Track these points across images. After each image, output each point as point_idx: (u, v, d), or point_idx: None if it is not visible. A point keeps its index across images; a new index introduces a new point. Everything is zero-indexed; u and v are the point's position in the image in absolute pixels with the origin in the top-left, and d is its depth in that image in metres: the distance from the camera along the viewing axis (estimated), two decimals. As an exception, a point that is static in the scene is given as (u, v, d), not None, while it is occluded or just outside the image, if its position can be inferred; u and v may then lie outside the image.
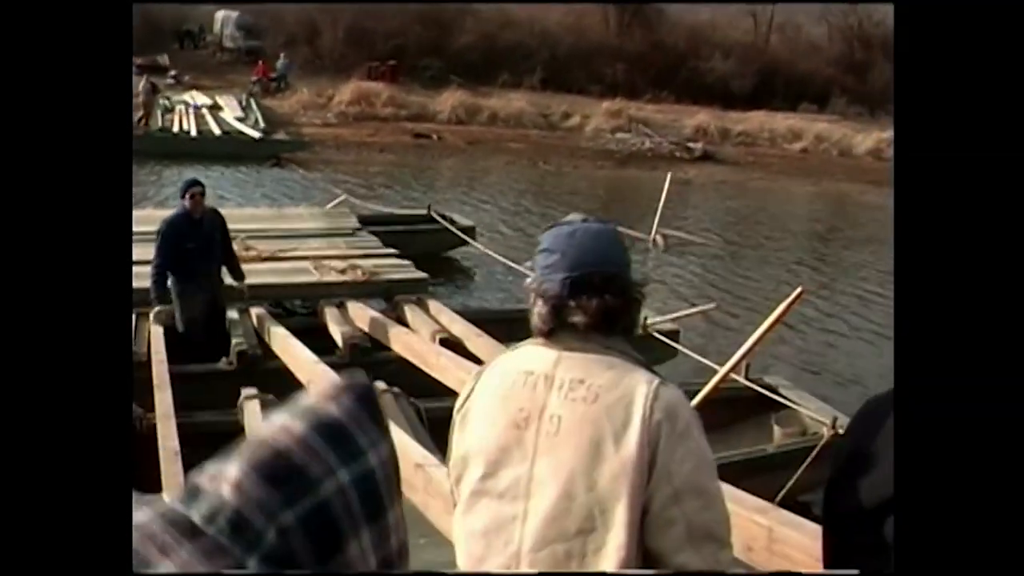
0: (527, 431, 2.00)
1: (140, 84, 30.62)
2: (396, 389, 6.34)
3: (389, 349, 7.37)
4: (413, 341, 7.02)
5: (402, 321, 8.29)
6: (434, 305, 8.66)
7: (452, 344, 7.32)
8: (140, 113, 30.07)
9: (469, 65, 37.44)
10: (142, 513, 0.98)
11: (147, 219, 9.82)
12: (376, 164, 26.75)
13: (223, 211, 8.74)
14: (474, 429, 2.11)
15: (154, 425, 5.54)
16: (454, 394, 5.51)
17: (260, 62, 35.93)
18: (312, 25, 38.93)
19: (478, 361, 6.61)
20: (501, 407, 2.07)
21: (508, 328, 7.55)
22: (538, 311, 2.06)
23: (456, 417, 2.18)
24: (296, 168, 25.03)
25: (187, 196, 7.56)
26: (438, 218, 14.01)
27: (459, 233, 13.36)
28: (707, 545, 1.93)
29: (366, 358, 7.48)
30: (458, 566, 2.13)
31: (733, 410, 6.98)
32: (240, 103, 32.06)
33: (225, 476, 0.99)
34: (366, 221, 13.45)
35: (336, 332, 7.91)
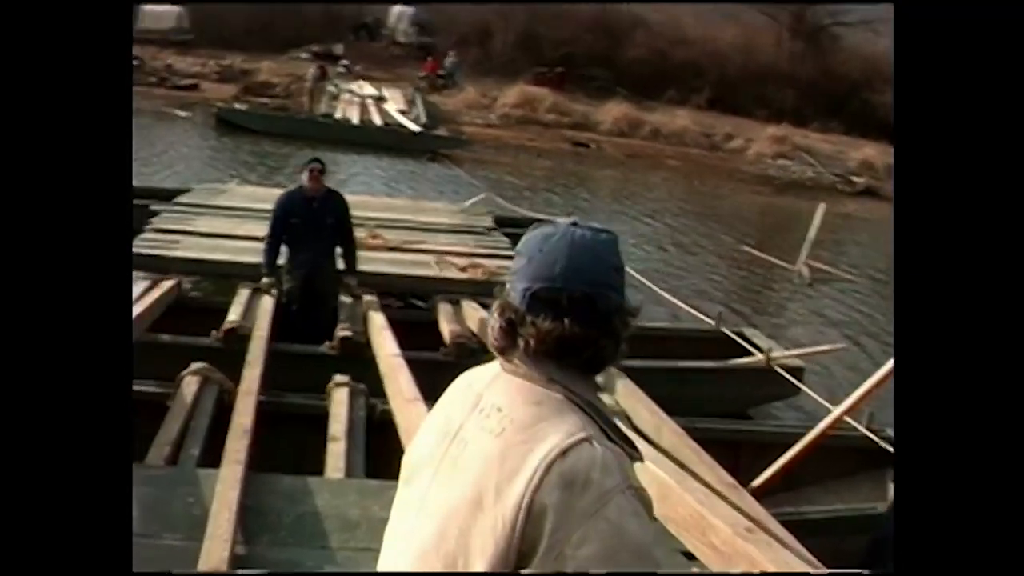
0: (440, 448, 1.74)
1: (310, 71, 31.51)
2: None
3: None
4: None
5: None
6: None
7: None
8: (306, 97, 30.96)
9: (637, 78, 37.05)
10: None
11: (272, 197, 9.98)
12: (532, 168, 26.80)
13: (364, 198, 8.73)
14: (422, 427, 1.89)
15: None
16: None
17: (430, 58, 36.52)
18: (485, 26, 39.21)
19: None
20: (439, 416, 1.83)
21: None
22: (491, 324, 1.76)
23: None
24: (451, 164, 25.25)
25: (306, 171, 7.62)
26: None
27: None
28: None
29: (471, 359, 7.26)
30: None
31: (847, 460, 6.52)
32: (405, 97, 32.60)
33: None
34: (503, 222, 13.38)
35: (445, 329, 7.75)
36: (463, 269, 9.31)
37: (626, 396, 6.63)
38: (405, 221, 11.70)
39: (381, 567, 1.80)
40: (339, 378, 6.07)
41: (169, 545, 3.89)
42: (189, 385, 5.81)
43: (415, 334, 7.44)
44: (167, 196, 12.69)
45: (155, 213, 11.09)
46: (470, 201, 16.01)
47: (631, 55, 38.24)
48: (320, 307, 7.70)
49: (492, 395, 1.70)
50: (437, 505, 1.68)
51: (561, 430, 1.60)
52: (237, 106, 30.03)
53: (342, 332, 7.16)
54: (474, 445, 1.67)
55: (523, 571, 1.56)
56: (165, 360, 6.48)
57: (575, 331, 1.65)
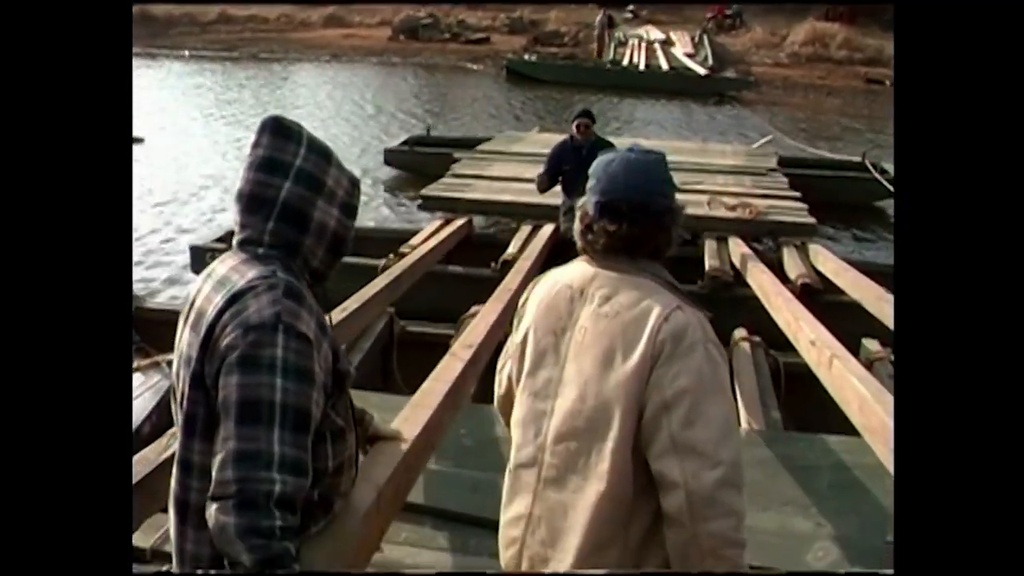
0: (562, 338, 2.25)
1: (597, 18, 31.84)
2: (756, 338, 6.27)
3: (749, 287, 7.24)
4: (767, 281, 6.86)
5: (779, 261, 8.23)
6: (814, 249, 8.44)
7: (813, 290, 7.27)
8: (594, 45, 31.35)
9: (938, 7, 34.97)
10: None
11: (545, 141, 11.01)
12: (821, 108, 26.03)
13: (655, 142, 8.98)
14: (523, 332, 2.36)
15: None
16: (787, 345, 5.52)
17: (717, 1, 35.88)
18: (774, -38, 38.13)
19: (834, 309, 6.45)
20: (544, 315, 2.31)
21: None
22: (574, 228, 2.32)
23: (515, 316, 2.46)
24: (738, 106, 24.96)
25: (574, 124, 8.21)
26: (870, 167, 13.52)
27: (887, 184, 12.73)
28: (690, 460, 2.03)
29: (724, 293, 7.54)
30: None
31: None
32: (693, 39, 32.37)
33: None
34: (789, 163, 13.41)
35: (706, 263, 8.00)
36: (732, 208, 9.44)
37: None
38: (687, 163, 11.80)
39: (520, 447, 2.31)
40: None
41: (439, 471, 4.34)
42: (467, 326, 6.18)
43: (681, 268, 7.58)
44: (470, 144, 13.84)
45: (457, 160, 12.17)
46: (757, 143, 16.14)
47: (932, -17, 36.12)
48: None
49: (596, 289, 2.23)
50: (573, 379, 2.20)
51: (661, 303, 2.15)
52: (526, 57, 30.82)
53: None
54: (594, 328, 2.19)
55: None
56: (452, 289, 7.56)
57: (635, 230, 2.21)
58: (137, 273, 9.67)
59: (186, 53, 32.79)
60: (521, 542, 2.28)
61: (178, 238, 11.13)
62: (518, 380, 2.36)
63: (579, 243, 2.30)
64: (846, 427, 4.27)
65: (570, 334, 2.23)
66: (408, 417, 3.16)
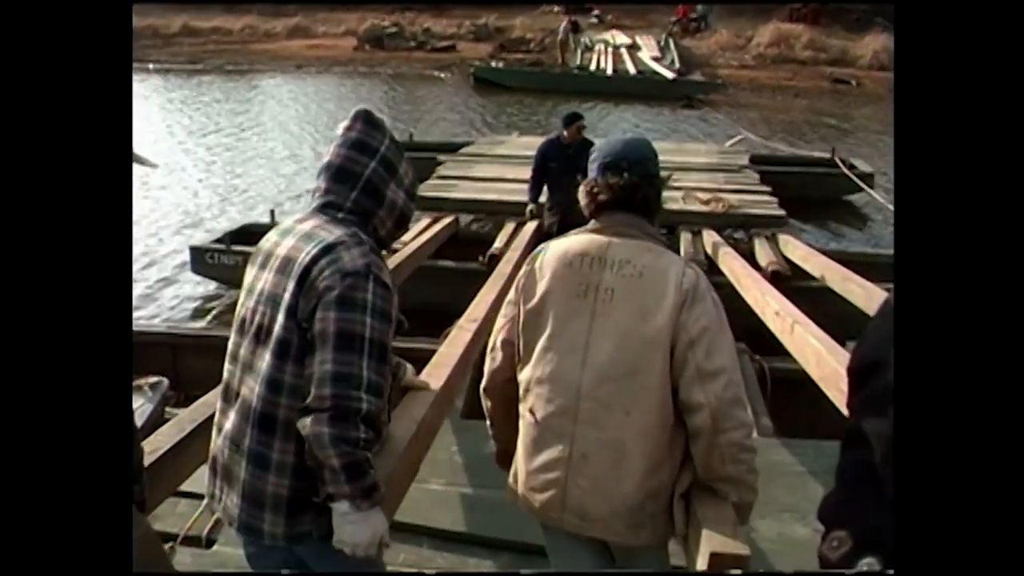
0: (585, 299, 2.60)
1: (561, 25, 31.93)
2: (741, 344, 6.14)
3: (723, 274, 7.42)
4: (738, 266, 7.13)
5: (751, 251, 8.49)
6: (783, 239, 8.76)
7: (783, 276, 7.54)
8: (557, 51, 31.44)
9: (898, 7, 35.27)
10: None
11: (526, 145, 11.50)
12: (790, 109, 26.17)
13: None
14: (538, 298, 2.68)
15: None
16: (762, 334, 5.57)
17: (681, 2, 36.07)
18: (737, -36, 38.42)
19: (804, 293, 6.62)
20: (563, 281, 2.65)
21: (866, 271, 7.22)
22: (580, 196, 2.76)
23: (517, 287, 2.76)
24: (707, 110, 25.06)
25: (574, 126, 8.37)
26: (839, 163, 13.87)
27: (855, 179, 13.13)
28: (711, 384, 2.46)
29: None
30: (525, 409, 2.70)
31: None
32: (658, 43, 32.53)
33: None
34: (761, 161, 13.76)
35: (682, 253, 8.13)
36: (706, 203, 9.73)
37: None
38: (664, 162, 11.81)
39: (549, 399, 2.61)
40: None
41: (434, 490, 4.39)
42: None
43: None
44: (453, 148, 14.21)
45: (441, 163, 12.52)
46: (730, 142, 16.76)
47: (893, -17, 36.42)
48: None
49: (614, 255, 2.61)
50: (605, 330, 2.55)
51: (675, 261, 2.61)
52: (493, 64, 30.82)
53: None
54: (623, 288, 2.57)
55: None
56: (442, 281, 7.98)
57: (632, 180, 2.64)
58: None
59: (150, 66, 32.56)
60: (563, 481, 2.60)
61: (167, 248, 11.23)
62: (527, 345, 2.69)
63: (584, 205, 2.74)
64: (836, 431, 4.27)
65: (595, 295, 2.59)
66: (431, 373, 3.71)
